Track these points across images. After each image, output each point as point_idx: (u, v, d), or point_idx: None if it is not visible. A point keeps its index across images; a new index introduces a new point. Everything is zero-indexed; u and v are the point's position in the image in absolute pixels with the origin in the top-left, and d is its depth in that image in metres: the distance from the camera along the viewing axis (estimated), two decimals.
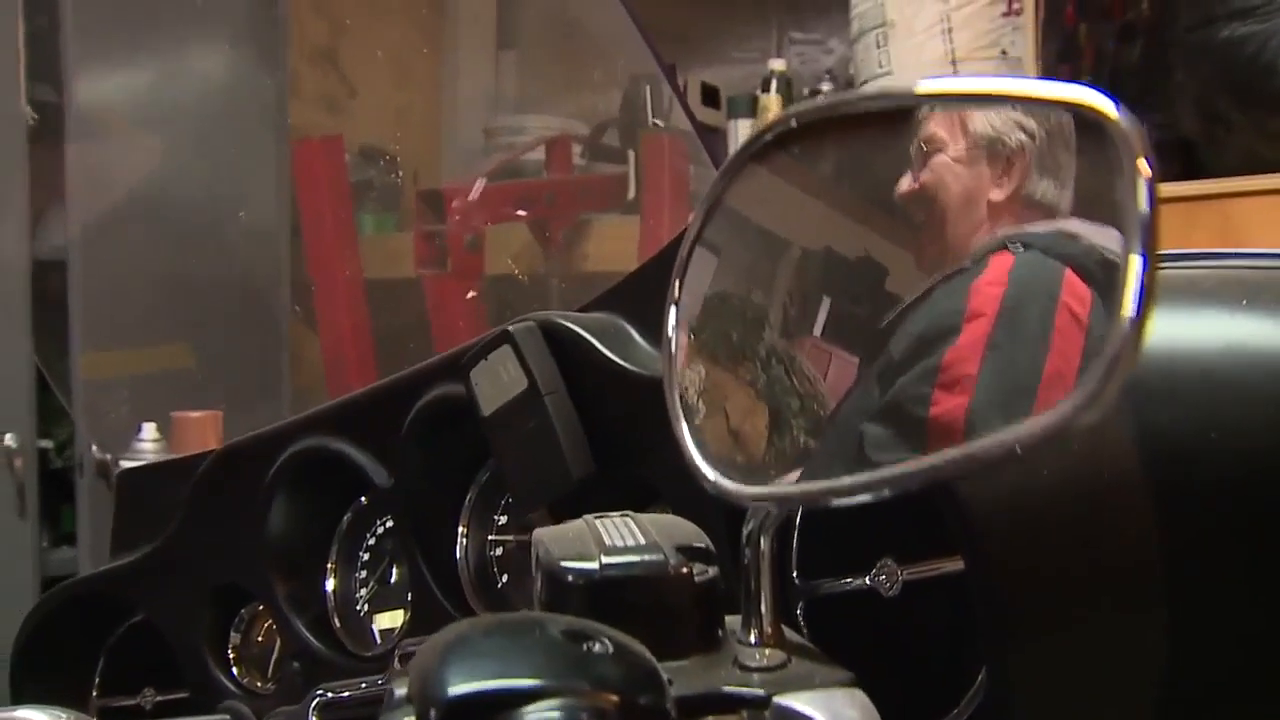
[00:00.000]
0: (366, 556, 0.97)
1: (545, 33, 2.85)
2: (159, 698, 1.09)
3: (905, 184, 0.41)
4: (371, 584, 0.97)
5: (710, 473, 0.44)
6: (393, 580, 0.95)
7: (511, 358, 0.74)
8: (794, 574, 0.67)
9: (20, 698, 1.09)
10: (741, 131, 2.51)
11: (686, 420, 0.45)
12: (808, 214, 0.44)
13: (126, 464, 1.73)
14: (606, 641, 0.44)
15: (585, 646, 0.44)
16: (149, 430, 1.84)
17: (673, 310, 0.45)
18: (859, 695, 0.45)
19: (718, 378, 0.45)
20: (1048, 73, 2.12)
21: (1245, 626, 0.50)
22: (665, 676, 0.45)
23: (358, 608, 0.97)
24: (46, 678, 1.10)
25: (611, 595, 0.48)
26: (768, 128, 0.44)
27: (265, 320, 2.68)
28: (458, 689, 0.42)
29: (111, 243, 2.47)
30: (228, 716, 0.98)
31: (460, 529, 0.89)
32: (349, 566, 0.97)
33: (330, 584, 0.97)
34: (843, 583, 0.65)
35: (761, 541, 0.48)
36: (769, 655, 0.48)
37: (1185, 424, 0.50)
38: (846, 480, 0.39)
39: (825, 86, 2.45)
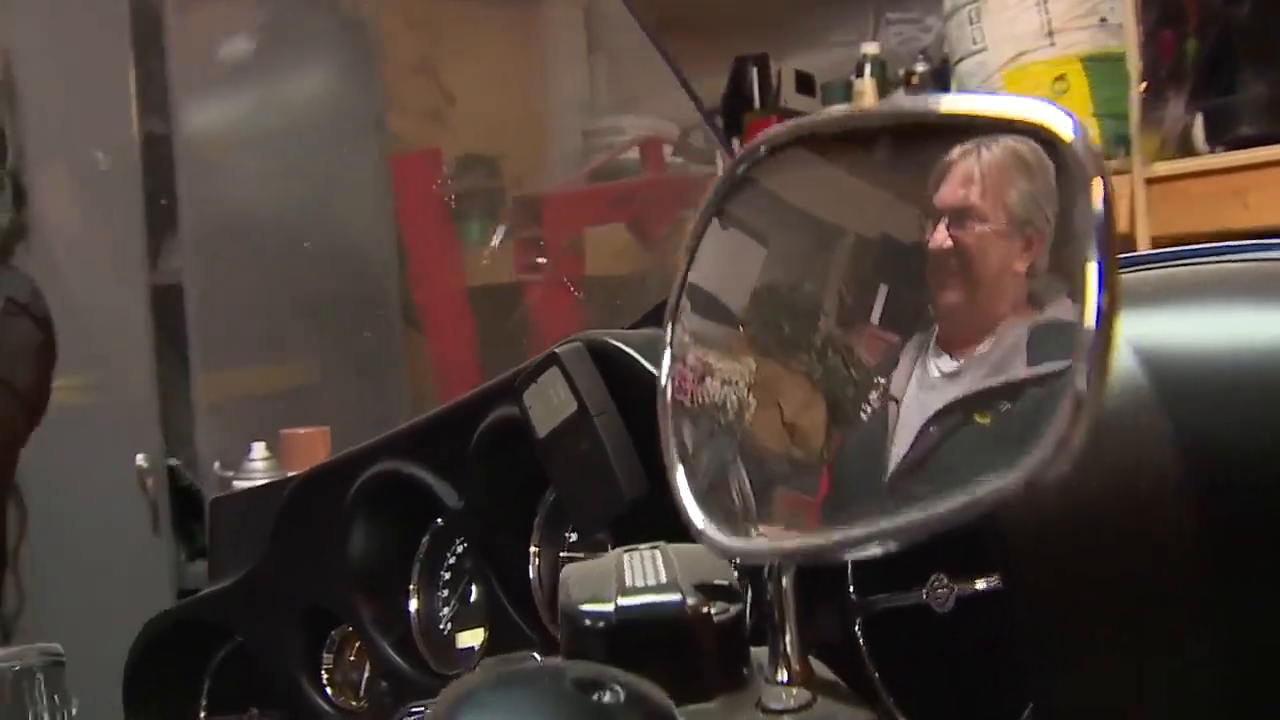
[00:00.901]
0: (447, 576, 0.98)
1: (633, 34, 2.85)
2: (262, 718, 1.11)
3: (940, 239, 0.38)
4: (453, 603, 0.98)
5: (699, 521, 0.43)
6: (472, 599, 0.96)
7: (560, 380, 0.73)
8: (850, 590, 0.66)
9: (133, 718, 1.13)
10: None
11: (683, 463, 0.44)
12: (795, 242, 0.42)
13: (239, 484, 1.77)
14: (619, 690, 0.43)
15: (596, 696, 0.43)
16: (258, 450, 1.88)
17: (667, 353, 0.45)
18: None
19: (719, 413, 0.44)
20: (1149, 38, 2.04)
21: None
22: None
23: (441, 626, 0.98)
24: (156, 700, 1.13)
25: (629, 638, 0.47)
26: (737, 160, 0.43)
27: (379, 333, 2.73)
28: None
29: (225, 266, 2.54)
30: None
31: (532, 548, 0.90)
32: (431, 587, 0.98)
33: (414, 604, 0.98)
34: (898, 598, 0.63)
35: (784, 579, 0.47)
36: (795, 695, 0.47)
37: (1229, 427, 0.48)
38: (828, 538, 0.38)
39: (920, 67, 2.40)
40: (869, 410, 0.40)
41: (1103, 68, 2.16)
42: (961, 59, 2.31)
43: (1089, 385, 0.30)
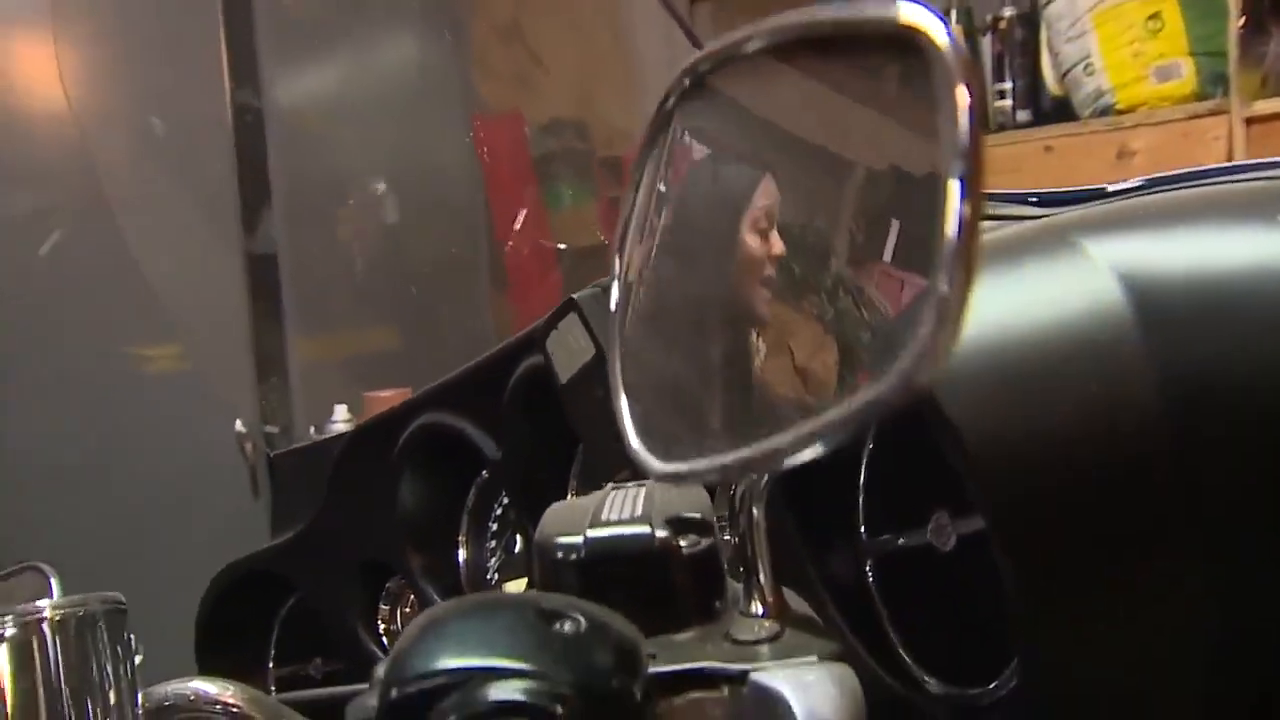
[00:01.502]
0: (494, 527, 0.99)
1: None
2: (326, 667, 1.14)
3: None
4: (499, 553, 0.99)
5: (635, 443, 0.43)
6: (517, 549, 0.97)
7: (579, 325, 0.73)
8: (861, 529, 0.65)
9: (204, 669, 1.17)
10: None
11: (626, 388, 0.43)
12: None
13: None
14: (580, 621, 0.43)
15: (557, 626, 0.43)
16: (341, 412, 1.92)
17: (615, 285, 0.44)
18: (839, 669, 0.43)
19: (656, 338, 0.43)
20: None
21: None
22: (648, 653, 0.44)
23: (489, 576, 0.99)
24: (228, 650, 1.17)
25: (599, 569, 0.47)
26: (668, 92, 0.42)
27: (467, 296, 2.76)
28: (420, 668, 0.42)
29: (316, 232, 2.59)
30: None
31: (570, 495, 0.90)
32: (479, 538, 0.99)
33: (462, 555, 0.99)
34: (905, 537, 0.62)
35: (754, 509, 0.46)
36: (766, 626, 0.46)
37: (1211, 357, 0.45)
38: (732, 457, 0.37)
39: (1008, 11, 2.33)
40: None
41: (1199, 3, 2.08)
42: (1049, 1, 2.24)
43: (950, 285, 0.29)
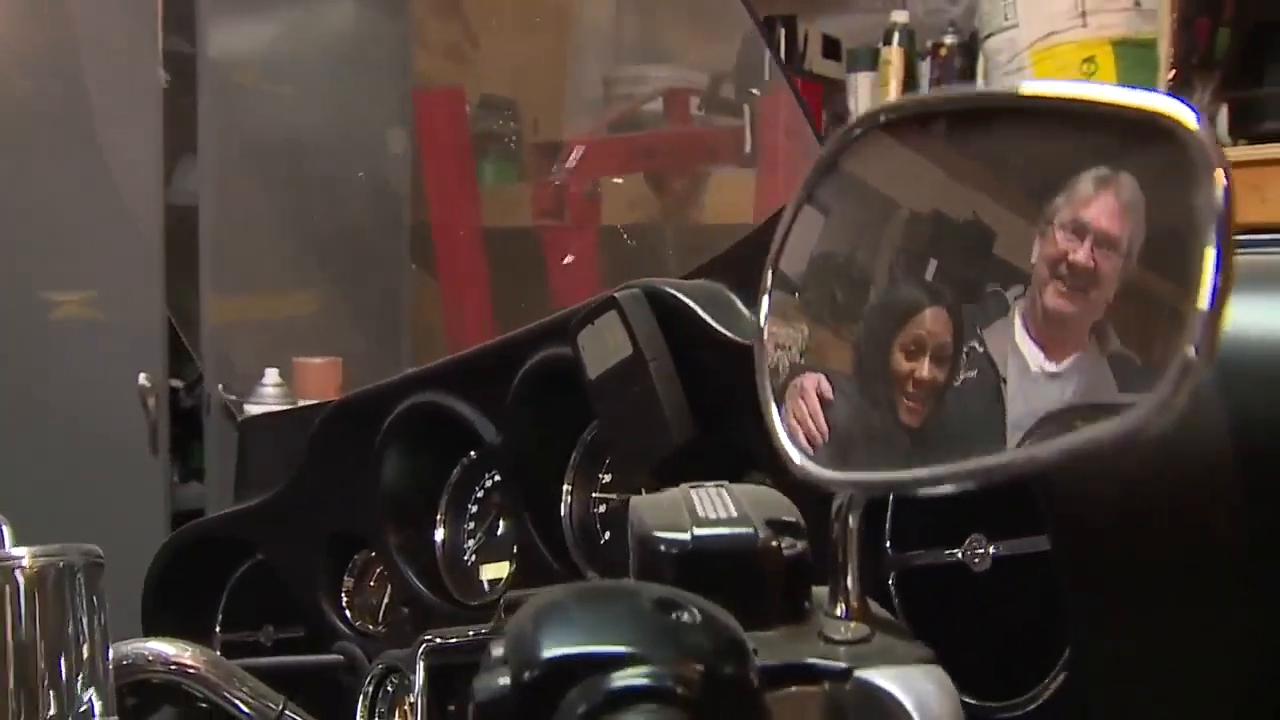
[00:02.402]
0: (474, 509, 1.00)
1: None
2: (278, 635, 1.14)
3: (1083, 256, 0.40)
4: (479, 535, 1.00)
5: (797, 457, 0.45)
6: (499, 532, 0.98)
7: (618, 324, 0.75)
8: (887, 545, 0.68)
9: (151, 630, 1.15)
10: (860, 85, 2.47)
11: (777, 403, 0.46)
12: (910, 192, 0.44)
13: (251, 407, 1.79)
14: (695, 611, 0.45)
15: (674, 615, 0.45)
16: (272, 375, 1.90)
17: (765, 299, 0.47)
18: (938, 672, 0.46)
19: (816, 355, 0.46)
20: (1182, 26, 2.05)
21: None
22: (751, 646, 0.47)
23: (465, 558, 1.00)
24: (175, 611, 1.15)
25: (702, 566, 0.49)
26: (856, 122, 0.45)
27: (386, 268, 2.74)
28: (551, 651, 0.44)
29: (241, 190, 2.54)
30: (341, 657, 1.03)
31: (566, 486, 0.92)
32: (458, 518, 1.00)
33: (439, 534, 1.00)
34: (934, 555, 0.65)
35: (850, 518, 0.49)
36: (853, 629, 0.49)
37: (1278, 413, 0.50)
38: (929, 470, 0.40)
39: (949, 39, 2.40)
40: (967, 375, 0.42)
41: (1133, 52, 2.17)
42: (991, 34, 2.31)
43: (1199, 350, 0.32)
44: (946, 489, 0.41)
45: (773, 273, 0.47)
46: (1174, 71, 2.11)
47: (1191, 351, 0.32)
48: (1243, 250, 0.40)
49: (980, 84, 2.32)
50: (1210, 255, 0.32)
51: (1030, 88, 0.39)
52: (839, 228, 0.46)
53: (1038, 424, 0.41)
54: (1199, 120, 0.34)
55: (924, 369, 0.44)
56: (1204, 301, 0.32)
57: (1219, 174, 0.33)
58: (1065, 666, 0.55)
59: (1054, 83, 0.38)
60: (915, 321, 0.45)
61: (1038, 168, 0.40)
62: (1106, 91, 0.36)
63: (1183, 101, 0.34)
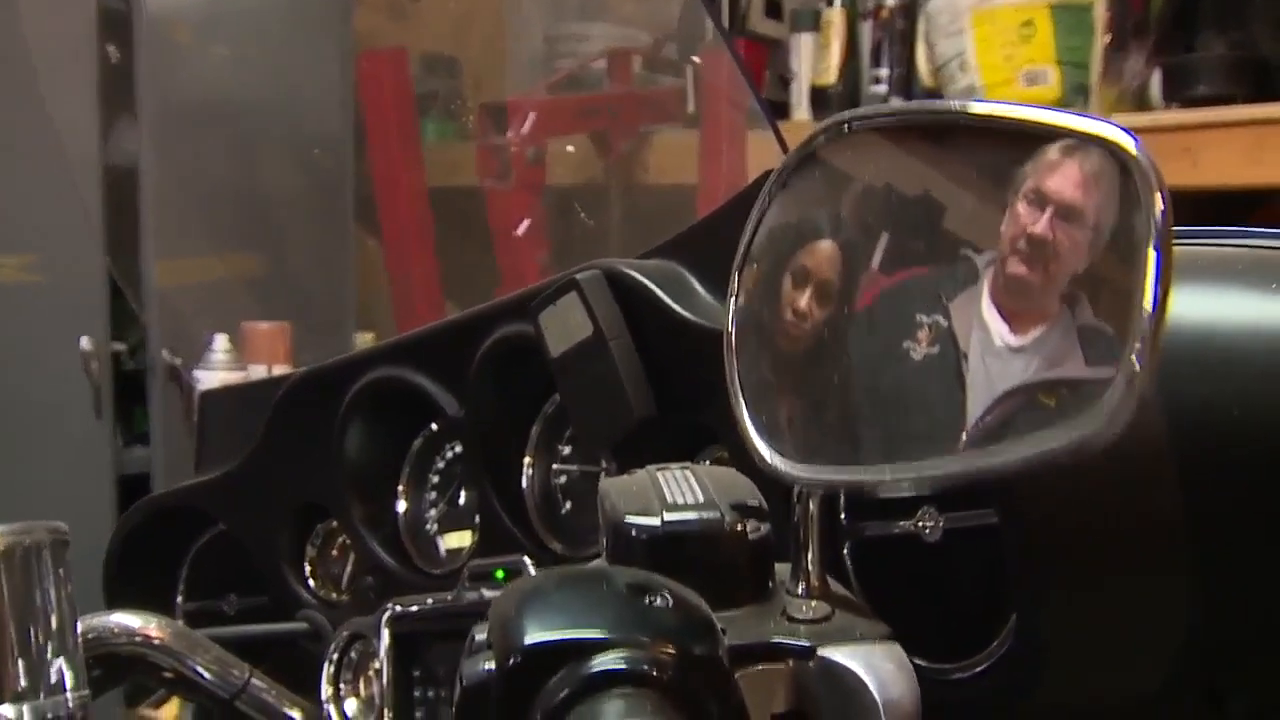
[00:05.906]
0: (436, 479, 1.02)
1: None
2: (241, 603, 1.15)
3: (1043, 227, 0.43)
4: (441, 505, 1.02)
5: (766, 454, 0.48)
6: (461, 502, 1.00)
7: (578, 304, 0.77)
8: (842, 516, 0.71)
9: (113, 601, 1.16)
10: (803, 46, 2.49)
11: (746, 399, 0.48)
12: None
13: (200, 373, 1.79)
14: (667, 595, 0.48)
15: (648, 599, 0.48)
16: (221, 341, 1.90)
17: (732, 301, 0.49)
18: (897, 650, 0.49)
19: (780, 352, 0.49)
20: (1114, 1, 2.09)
21: (1267, 590, 0.54)
22: (720, 628, 0.49)
23: (427, 527, 1.02)
24: (136, 582, 1.17)
25: (672, 549, 0.52)
26: (815, 133, 0.47)
27: (332, 230, 2.73)
28: (534, 637, 0.46)
29: (182, 150, 2.51)
30: (305, 625, 1.05)
31: (526, 458, 0.94)
32: (419, 489, 1.02)
33: (401, 505, 1.02)
34: (887, 526, 0.69)
35: (810, 502, 0.52)
36: (815, 607, 0.52)
37: (1212, 399, 0.53)
38: (892, 474, 0.43)
39: (890, 1, 2.42)
40: (922, 353, 0.45)
41: (1070, 16, 2.21)
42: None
43: (1141, 363, 0.35)
44: (907, 492, 0.43)
45: (739, 276, 0.49)
46: (1110, 35, 2.15)
47: (1136, 363, 0.35)
48: (1178, 241, 0.43)
49: (938, 101, 2.35)
50: (1151, 272, 0.35)
51: (981, 108, 0.42)
52: (802, 226, 0.49)
53: (997, 400, 0.43)
54: (1138, 144, 0.36)
55: (803, 300, 0.46)
56: (1148, 303, 0.35)
57: (1157, 196, 0.36)
58: (1012, 632, 0.59)
59: (1005, 104, 0.40)
60: (807, 250, 0.48)
61: (990, 170, 0.43)
62: (1056, 115, 0.39)
63: (1120, 128, 0.37)
